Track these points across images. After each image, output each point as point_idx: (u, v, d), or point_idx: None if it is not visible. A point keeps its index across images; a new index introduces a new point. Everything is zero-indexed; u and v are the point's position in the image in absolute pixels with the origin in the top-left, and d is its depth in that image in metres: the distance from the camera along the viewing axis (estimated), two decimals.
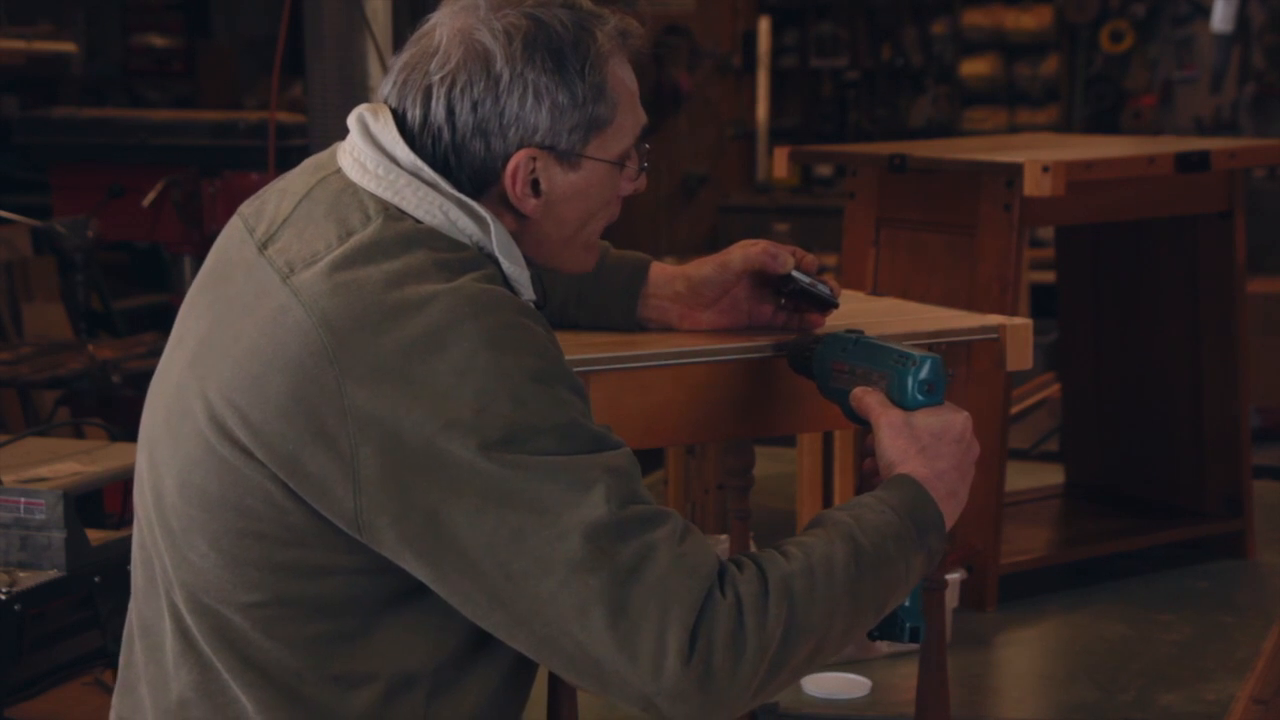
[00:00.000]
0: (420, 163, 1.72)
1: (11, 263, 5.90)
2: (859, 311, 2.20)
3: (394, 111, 1.76)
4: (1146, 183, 3.09)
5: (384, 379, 1.61)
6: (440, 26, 1.75)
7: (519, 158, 1.74)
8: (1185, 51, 8.94)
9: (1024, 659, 2.85)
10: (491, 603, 1.62)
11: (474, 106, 1.72)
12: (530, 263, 1.79)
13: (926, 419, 1.82)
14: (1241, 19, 7.97)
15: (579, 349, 1.89)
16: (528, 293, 1.77)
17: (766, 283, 2.04)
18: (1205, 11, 8.18)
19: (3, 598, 2.82)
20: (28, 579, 2.88)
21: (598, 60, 1.75)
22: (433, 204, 1.72)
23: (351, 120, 1.77)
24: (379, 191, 1.72)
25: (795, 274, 2.01)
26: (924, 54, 9.60)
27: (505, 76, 1.72)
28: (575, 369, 1.83)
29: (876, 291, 3.06)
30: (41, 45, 6.95)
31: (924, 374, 1.82)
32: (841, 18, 9.79)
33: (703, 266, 2.04)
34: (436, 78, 1.73)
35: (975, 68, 9.45)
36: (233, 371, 1.67)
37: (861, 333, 1.90)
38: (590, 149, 1.77)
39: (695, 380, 1.92)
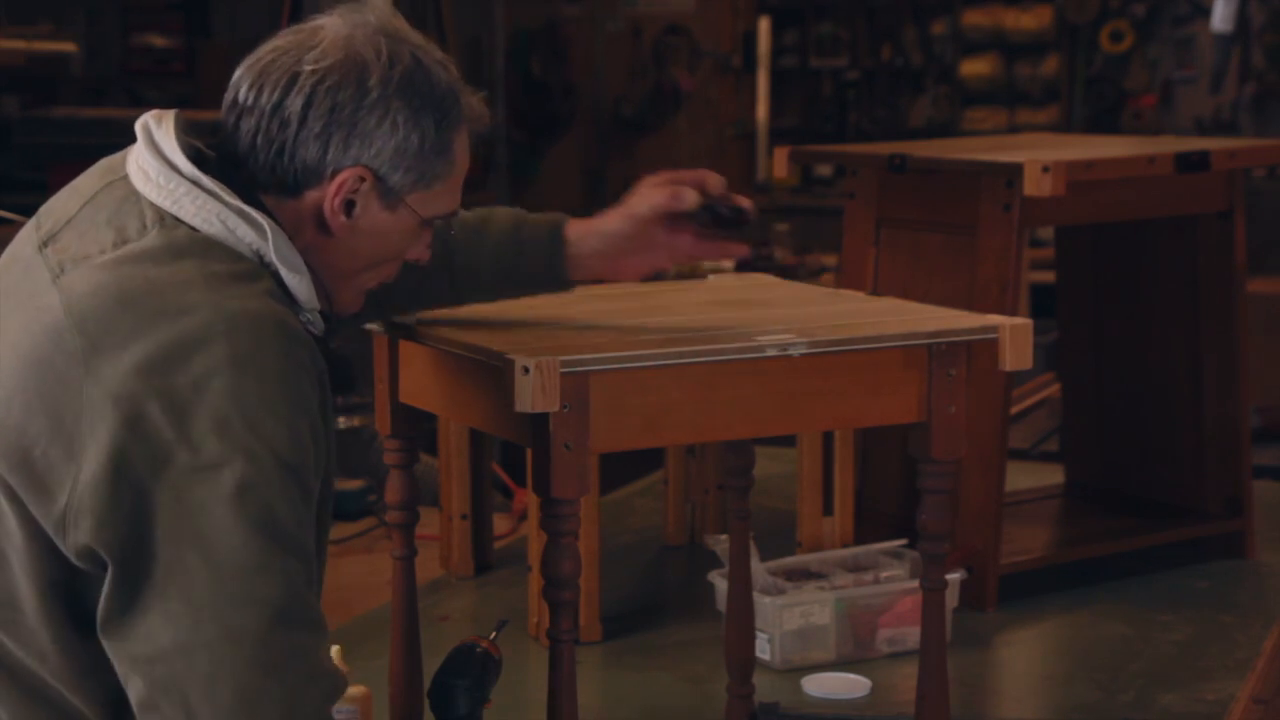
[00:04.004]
0: (199, 172, 1.71)
1: None
2: (859, 311, 2.20)
3: (235, 91, 1.76)
4: (1146, 183, 3.08)
5: (125, 385, 1.59)
6: (328, 28, 1.77)
7: (350, 172, 1.75)
8: (1185, 51, 8.94)
9: (1024, 659, 2.85)
10: (128, 627, 1.60)
11: (333, 108, 1.73)
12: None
13: None
14: (1241, 19, 7.95)
15: (579, 349, 1.89)
16: (310, 301, 1.76)
17: (679, 216, 2.05)
18: (1205, 11, 8.18)
19: None
20: None
21: (454, 123, 1.80)
22: (211, 213, 1.70)
23: (137, 127, 1.76)
24: (158, 200, 1.71)
25: (707, 207, 2.04)
26: (924, 54, 9.60)
27: (374, 94, 1.74)
28: (574, 368, 1.84)
29: (876, 291, 3.06)
30: (41, 45, 6.95)
31: None
32: (841, 18, 9.79)
33: (612, 220, 2.05)
34: (308, 68, 1.74)
35: (975, 68, 9.45)
36: None
37: None
38: (412, 198, 1.80)
39: (695, 380, 1.92)
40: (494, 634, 2.17)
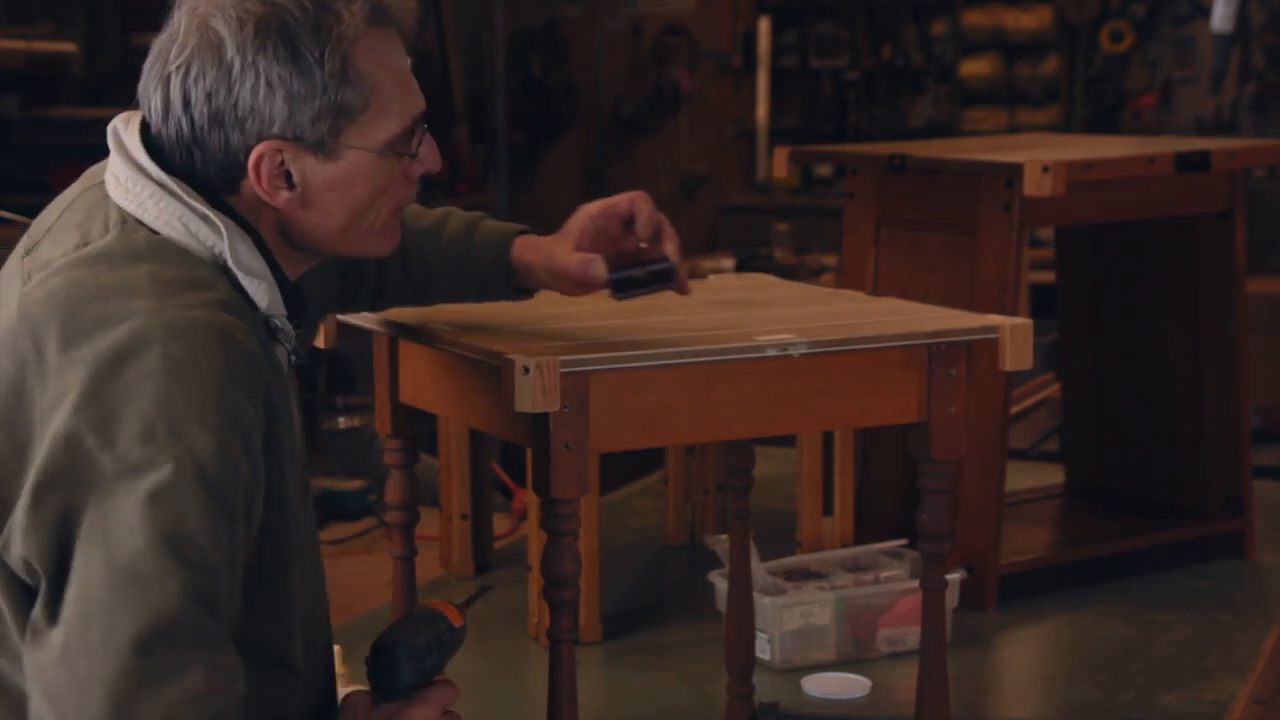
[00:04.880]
0: (164, 175, 1.67)
1: None
2: (859, 311, 2.20)
3: (138, 106, 1.72)
4: (1146, 183, 3.08)
5: (67, 391, 1.55)
6: (182, 12, 1.70)
7: (261, 150, 1.67)
8: (1185, 51, 8.94)
9: (1024, 659, 2.85)
10: (41, 637, 1.55)
11: (208, 97, 1.66)
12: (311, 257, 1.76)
13: None
14: (1241, 19, 7.96)
15: (579, 349, 1.89)
16: (274, 307, 1.71)
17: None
18: (1205, 11, 8.18)
19: None
20: None
21: (340, 44, 1.66)
22: (172, 215, 1.66)
23: (108, 130, 1.73)
24: (124, 203, 1.68)
25: (618, 283, 1.97)
26: (924, 54, 9.60)
27: (236, 66, 1.65)
28: (574, 368, 1.84)
29: (876, 291, 3.06)
30: (41, 45, 6.95)
31: None
32: (841, 18, 9.79)
33: (542, 271, 1.99)
34: (174, 66, 1.68)
35: (975, 68, 9.45)
36: None
37: None
38: (347, 138, 1.69)
39: (695, 380, 1.92)
40: (468, 599, 1.94)
